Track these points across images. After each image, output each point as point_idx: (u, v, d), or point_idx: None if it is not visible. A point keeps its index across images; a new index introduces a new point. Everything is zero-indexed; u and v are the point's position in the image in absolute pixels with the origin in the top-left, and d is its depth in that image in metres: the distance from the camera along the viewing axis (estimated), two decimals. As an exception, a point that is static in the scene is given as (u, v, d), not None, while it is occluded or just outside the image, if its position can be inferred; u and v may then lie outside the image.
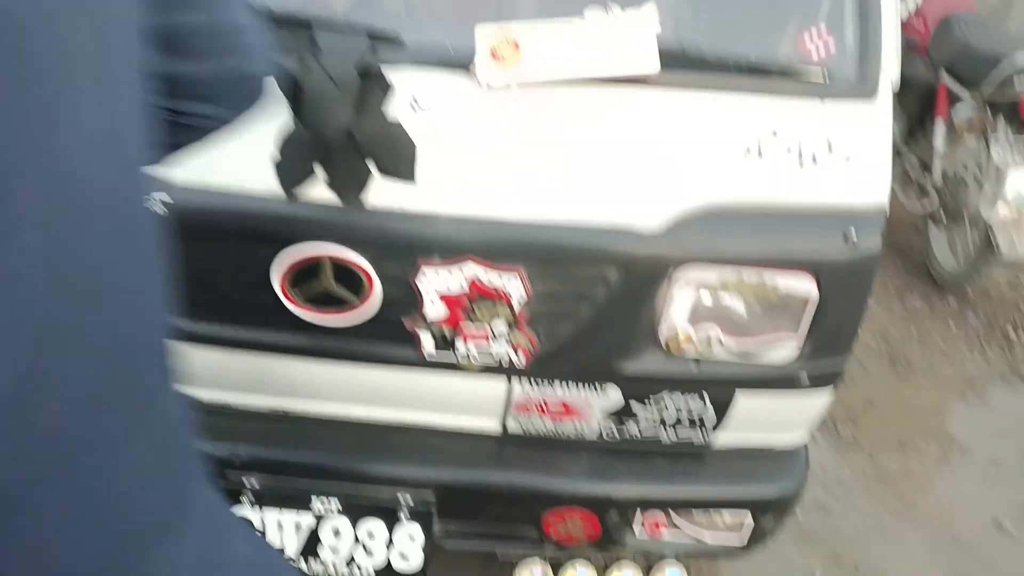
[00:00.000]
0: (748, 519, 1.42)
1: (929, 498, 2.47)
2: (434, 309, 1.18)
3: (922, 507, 2.42)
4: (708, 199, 1.14)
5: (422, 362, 1.24)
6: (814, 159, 1.15)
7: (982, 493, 2.49)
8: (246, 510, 1.33)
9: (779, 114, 1.18)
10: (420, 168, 1.07)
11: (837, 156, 1.16)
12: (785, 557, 2.15)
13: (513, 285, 1.15)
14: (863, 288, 1.21)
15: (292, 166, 1.05)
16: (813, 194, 1.16)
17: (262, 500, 1.34)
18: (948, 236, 3.41)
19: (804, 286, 1.18)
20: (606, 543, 1.43)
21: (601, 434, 1.35)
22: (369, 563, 1.36)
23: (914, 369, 3.04)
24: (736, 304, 1.22)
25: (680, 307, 1.20)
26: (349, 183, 1.07)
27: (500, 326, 1.19)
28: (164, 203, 1.09)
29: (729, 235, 1.15)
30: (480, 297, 1.16)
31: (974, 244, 3.19)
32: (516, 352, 1.22)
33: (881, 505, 2.41)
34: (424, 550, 1.34)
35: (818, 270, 1.17)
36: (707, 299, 1.20)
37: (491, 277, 1.14)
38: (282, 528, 1.35)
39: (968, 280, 3.30)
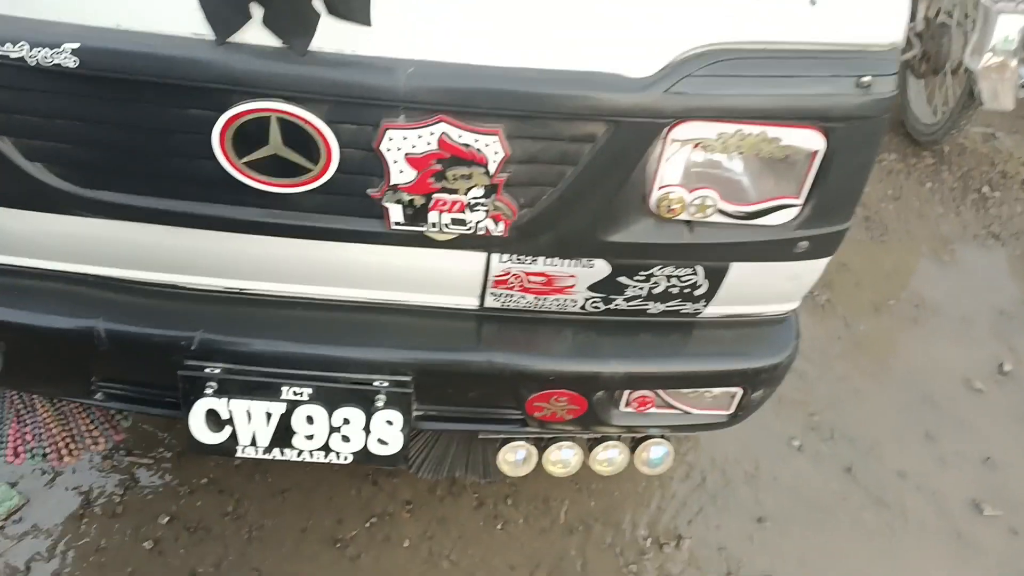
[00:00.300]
0: (738, 392, 1.37)
1: (902, 360, 2.48)
2: (402, 175, 1.05)
3: (895, 369, 2.44)
4: (706, 39, 1.02)
5: (392, 236, 1.13)
6: None
7: (953, 353, 2.51)
8: (211, 400, 1.24)
9: None
10: (376, 6, 0.92)
11: None
12: (763, 425, 2.16)
13: (489, 145, 1.02)
14: (873, 140, 1.11)
15: (223, 5, 0.89)
16: (822, 31, 1.04)
17: (227, 390, 1.24)
18: (927, 87, 3.30)
19: (810, 137, 1.07)
20: (591, 422, 1.37)
21: (586, 309, 1.27)
22: (346, 448, 1.29)
23: (889, 230, 3.01)
24: (735, 164, 1.12)
25: (674, 168, 1.10)
26: (293, 26, 0.92)
27: (476, 193, 1.07)
28: (75, 51, 0.93)
29: (729, 81, 1.03)
30: (453, 159, 1.03)
31: (954, 95, 3.09)
32: (495, 222, 1.11)
33: (856, 369, 2.41)
34: (403, 434, 1.28)
35: (826, 119, 1.06)
36: (703, 159, 1.10)
37: (464, 136, 1.01)
38: (251, 418, 1.26)
39: (945, 134, 3.23)
